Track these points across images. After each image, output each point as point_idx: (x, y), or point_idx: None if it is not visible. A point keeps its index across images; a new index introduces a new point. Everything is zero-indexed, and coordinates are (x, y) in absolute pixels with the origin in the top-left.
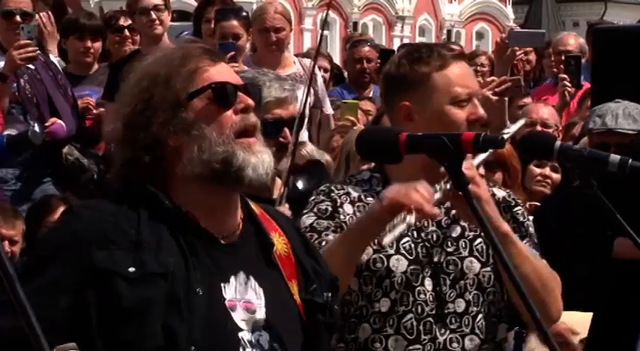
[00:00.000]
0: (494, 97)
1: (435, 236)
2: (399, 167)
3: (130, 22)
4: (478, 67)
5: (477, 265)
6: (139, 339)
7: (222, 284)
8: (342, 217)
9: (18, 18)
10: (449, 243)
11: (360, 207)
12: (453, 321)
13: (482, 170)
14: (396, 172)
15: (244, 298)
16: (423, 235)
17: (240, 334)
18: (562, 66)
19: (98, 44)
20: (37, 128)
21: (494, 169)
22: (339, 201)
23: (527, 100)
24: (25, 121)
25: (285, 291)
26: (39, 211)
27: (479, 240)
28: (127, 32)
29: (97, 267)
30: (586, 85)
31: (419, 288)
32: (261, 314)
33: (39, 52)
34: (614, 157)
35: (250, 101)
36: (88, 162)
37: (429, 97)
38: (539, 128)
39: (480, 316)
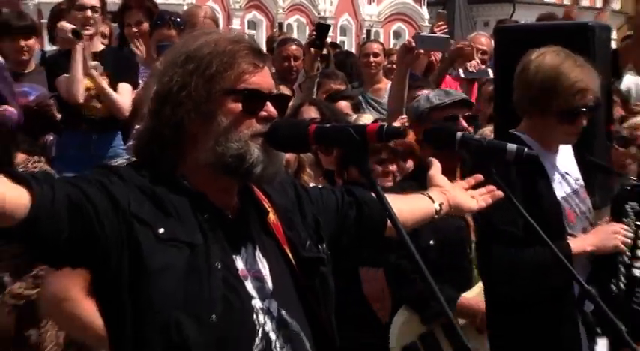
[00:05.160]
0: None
1: None
2: None
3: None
4: (394, 65)
5: None
6: (160, 300)
7: (234, 256)
8: None
9: None
10: None
11: None
12: None
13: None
14: None
15: (254, 268)
16: None
17: (253, 302)
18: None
19: (32, 41)
20: None
21: (405, 158)
22: None
23: (425, 91)
24: None
25: (281, 259)
26: None
27: None
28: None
29: (136, 215)
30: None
31: None
32: (268, 283)
33: None
34: (512, 147)
35: (274, 113)
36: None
37: None
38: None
39: None
